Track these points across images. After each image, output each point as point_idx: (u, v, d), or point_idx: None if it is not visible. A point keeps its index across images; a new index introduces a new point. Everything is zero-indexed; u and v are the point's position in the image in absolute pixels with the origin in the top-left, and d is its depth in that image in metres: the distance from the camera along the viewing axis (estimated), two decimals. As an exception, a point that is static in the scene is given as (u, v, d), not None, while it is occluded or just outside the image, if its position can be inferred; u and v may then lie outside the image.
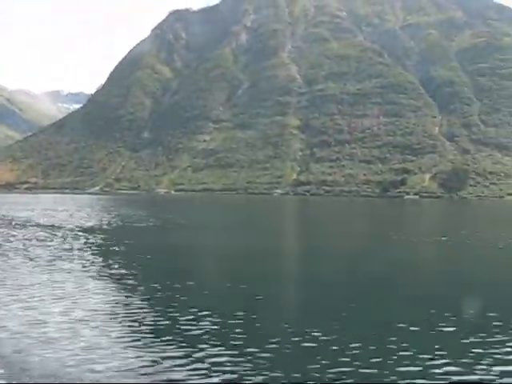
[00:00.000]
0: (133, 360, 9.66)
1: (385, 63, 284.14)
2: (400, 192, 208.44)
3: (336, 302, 15.17)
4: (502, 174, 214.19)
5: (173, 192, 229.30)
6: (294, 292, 17.54)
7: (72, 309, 13.18)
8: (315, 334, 11.27)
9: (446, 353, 10.27)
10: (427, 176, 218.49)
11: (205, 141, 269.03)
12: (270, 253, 25.46)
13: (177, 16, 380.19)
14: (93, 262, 20.92)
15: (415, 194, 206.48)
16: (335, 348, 10.50)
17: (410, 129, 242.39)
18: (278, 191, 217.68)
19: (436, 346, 10.65)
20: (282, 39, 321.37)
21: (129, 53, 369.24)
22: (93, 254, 23.05)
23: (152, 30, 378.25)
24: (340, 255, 26.23)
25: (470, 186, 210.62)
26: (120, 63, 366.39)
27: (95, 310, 13.12)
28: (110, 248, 25.77)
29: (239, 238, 33.31)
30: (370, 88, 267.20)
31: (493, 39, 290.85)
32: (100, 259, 21.85)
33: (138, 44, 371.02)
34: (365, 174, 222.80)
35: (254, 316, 12.91)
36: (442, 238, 34.75)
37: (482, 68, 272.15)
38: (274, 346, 10.53)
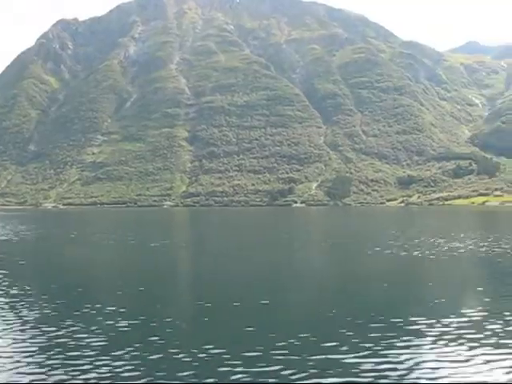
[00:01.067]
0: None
1: (271, 76, 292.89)
2: (288, 201, 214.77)
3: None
4: (382, 182, 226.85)
5: (61, 206, 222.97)
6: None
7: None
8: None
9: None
10: (314, 184, 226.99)
11: (93, 153, 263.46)
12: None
13: (63, 25, 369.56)
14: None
15: (302, 202, 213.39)
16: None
17: (296, 139, 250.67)
18: (168, 203, 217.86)
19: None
20: (171, 51, 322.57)
21: (13, 61, 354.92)
22: None
23: (37, 39, 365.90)
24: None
25: (354, 193, 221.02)
26: (4, 72, 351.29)
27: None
28: None
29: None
30: (257, 100, 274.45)
31: (371, 55, 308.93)
32: None
33: (23, 52, 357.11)
34: (253, 184, 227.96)
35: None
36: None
37: (361, 81, 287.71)
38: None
